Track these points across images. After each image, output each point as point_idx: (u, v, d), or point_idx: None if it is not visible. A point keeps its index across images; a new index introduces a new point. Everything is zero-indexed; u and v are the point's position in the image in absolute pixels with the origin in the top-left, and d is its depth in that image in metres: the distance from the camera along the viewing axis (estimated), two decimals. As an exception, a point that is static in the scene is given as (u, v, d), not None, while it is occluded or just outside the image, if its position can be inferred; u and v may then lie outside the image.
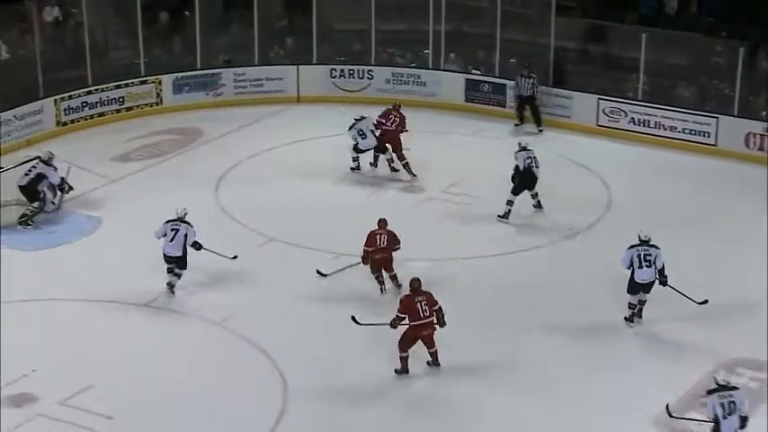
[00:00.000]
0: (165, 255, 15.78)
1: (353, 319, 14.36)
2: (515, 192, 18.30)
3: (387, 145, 20.04)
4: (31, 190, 17.93)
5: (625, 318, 15.24)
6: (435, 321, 13.85)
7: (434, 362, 14.03)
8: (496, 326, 15.17)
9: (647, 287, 14.94)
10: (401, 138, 20.05)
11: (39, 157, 18.35)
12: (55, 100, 21.79)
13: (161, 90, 23.19)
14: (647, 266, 14.78)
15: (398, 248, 15.94)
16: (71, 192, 18.49)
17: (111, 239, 17.63)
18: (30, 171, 18.00)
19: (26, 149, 20.40)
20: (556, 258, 17.27)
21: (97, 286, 15.98)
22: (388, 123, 20.12)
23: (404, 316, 13.80)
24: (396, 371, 14.00)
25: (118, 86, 22.71)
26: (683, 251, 16.06)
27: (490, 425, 13.21)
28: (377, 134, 19.98)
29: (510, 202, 18.28)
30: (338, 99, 23.60)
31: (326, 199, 19.08)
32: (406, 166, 19.98)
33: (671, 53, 22.58)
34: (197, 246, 15.92)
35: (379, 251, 15.88)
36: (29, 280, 16.26)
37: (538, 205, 18.64)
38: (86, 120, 22.08)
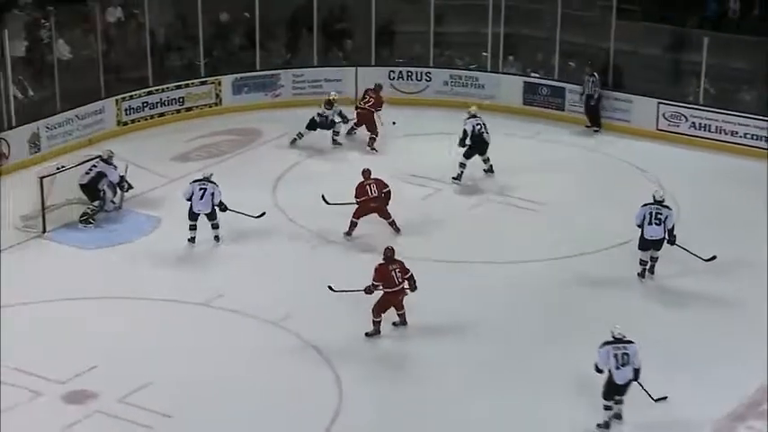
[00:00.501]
0: (192, 212, 17.22)
1: (330, 287, 15.08)
2: (467, 156, 19.63)
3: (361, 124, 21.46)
4: (91, 188, 18.14)
5: (638, 274, 16.13)
6: (407, 287, 14.83)
7: (402, 322, 15.00)
8: (522, 331, 15.22)
9: (656, 244, 15.68)
10: (375, 117, 21.26)
11: (99, 156, 18.57)
12: (116, 100, 22.01)
13: (220, 91, 23.35)
14: (656, 224, 15.49)
15: (388, 191, 17.21)
16: (131, 190, 18.68)
17: (170, 239, 17.77)
18: (90, 170, 18.20)
19: (87, 149, 20.64)
20: (608, 265, 17.07)
21: (155, 285, 16.13)
22: (362, 103, 21.42)
23: (378, 284, 14.74)
24: (366, 334, 14.85)
25: (178, 87, 22.91)
26: (742, 256, 15.89)
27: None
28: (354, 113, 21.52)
29: (462, 165, 19.62)
30: (396, 101, 23.58)
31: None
32: (371, 141, 21.29)
33: (733, 57, 22.33)
34: (222, 206, 17.28)
35: (372, 200, 17.16)
36: (88, 278, 16.44)
37: (489, 170, 19.85)
38: (147, 120, 22.28)
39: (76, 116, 21.30)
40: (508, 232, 18.21)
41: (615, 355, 12.77)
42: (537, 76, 23.79)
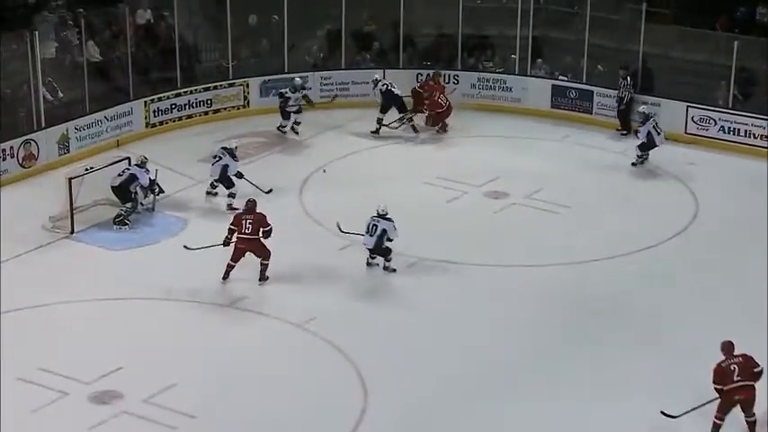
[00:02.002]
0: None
1: (185, 246, 16.55)
2: (383, 111, 22.01)
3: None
4: (123, 190, 18.23)
5: (632, 163, 20.52)
6: (261, 236, 16.09)
7: (262, 276, 16.22)
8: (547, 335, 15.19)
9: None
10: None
11: (128, 159, 18.68)
12: (145, 102, 22.11)
13: (248, 93, 23.42)
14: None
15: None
16: (161, 194, 18.76)
17: (198, 241, 17.81)
18: (122, 173, 18.31)
19: (116, 150, 20.77)
20: (633, 268, 17.02)
21: (182, 287, 16.18)
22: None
23: (234, 228, 16.10)
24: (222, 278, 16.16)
25: (206, 89, 22.99)
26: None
27: None
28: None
29: (380, 120, 21.97)
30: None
31: (409, 203, 19.04)
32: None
33: (762, 61, 22.19)
34: (239, 175, 18.78)
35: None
36: (115, 279, 16.51)
37: (409, 121, 22.04)
38: (174, 121, 22.38)
39: (105, 117, 21.42)
40: (534, 236, 18.16)
41: (368, 225, 16.17)
42: (565, 79, 23.72)
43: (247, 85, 23.39)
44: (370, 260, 16.76)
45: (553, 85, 23.55)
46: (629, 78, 22.28)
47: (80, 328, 15.09)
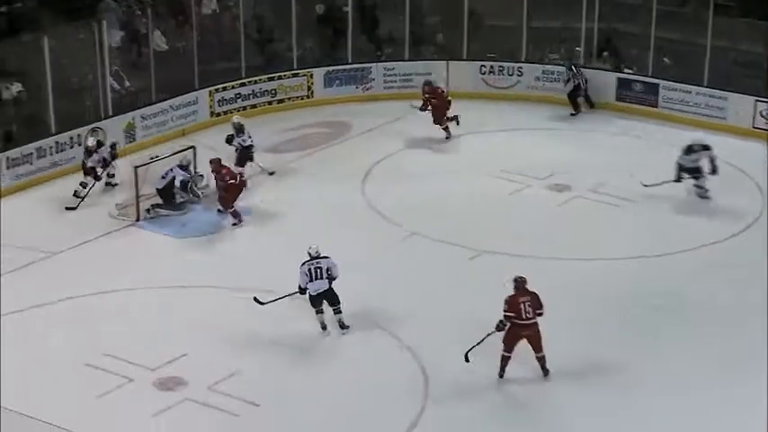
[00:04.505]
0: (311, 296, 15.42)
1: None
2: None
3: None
4: (167, 192, 18.31)
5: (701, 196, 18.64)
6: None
7: (545, 373, 13.94)
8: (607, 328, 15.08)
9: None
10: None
11: (194, 147, 18.83)
12: (209, 91, 22.28)
13: (312, 83, 23.50)
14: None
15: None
16: (198, 196, 18.63)
17: (259, 229, 17.95)
18: (166, 174, 18.36)
19: (181, 139, 20.95)
20: (697, 264, 16.83)
21: (244, 275, 16.24)
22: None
23: (511, 315, 13.70)
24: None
25: (271, 79, 23.10)
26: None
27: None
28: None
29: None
30: (486, 95, 23.55)
31: (470, 195, 19.07)
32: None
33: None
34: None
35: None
36: (179, 267, 16.67)
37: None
38: (239, 111, 22.49)
39: (171, 106, 21.62)
40: (596, 229, 18.04)
41: (309, 270, 14.57)
42: (631, 72, 23.52)
43: (311, 76, 23.46)
44: (322, 322, 14.81)
45: (618, 77, 23.36)
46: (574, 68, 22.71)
47: (145, 315, 15.25)
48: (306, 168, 20.30)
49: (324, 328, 14.86)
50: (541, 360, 13.84)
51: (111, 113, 20.77)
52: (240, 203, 18.36)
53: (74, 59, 20.74)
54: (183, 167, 18.46)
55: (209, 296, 15.87)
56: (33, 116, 20.15)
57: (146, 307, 15.49)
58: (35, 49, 19.60)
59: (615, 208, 18.73)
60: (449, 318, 15.17)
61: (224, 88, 22.47)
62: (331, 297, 14.82)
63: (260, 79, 22.97)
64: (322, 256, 14.75)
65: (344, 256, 16.18)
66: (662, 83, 22.71)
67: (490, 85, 23.81)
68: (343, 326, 14.90)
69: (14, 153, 19.18)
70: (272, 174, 19.71)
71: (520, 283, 13.76)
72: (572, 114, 22.91)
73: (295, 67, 23.43)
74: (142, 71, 21.72)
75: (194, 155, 18.85)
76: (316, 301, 14.80)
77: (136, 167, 18.13)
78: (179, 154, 18.75)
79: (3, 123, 19.70)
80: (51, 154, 19.63)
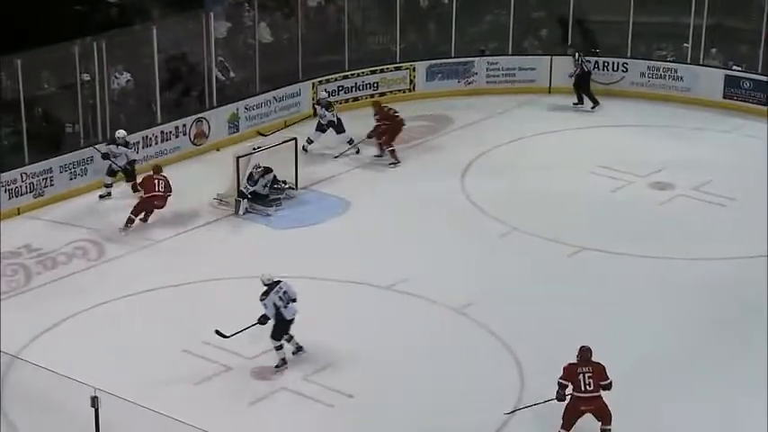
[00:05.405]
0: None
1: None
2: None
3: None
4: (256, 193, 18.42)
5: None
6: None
7: None
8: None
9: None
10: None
11: (295, 139, 18.99)
12: (312, 83, 22.43)
13: (414, 77, 23.52)
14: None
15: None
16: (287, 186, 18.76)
17: (359, 221, 18.02)
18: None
19: (283, 131, 21.13)
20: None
21: (343, 267, 16.35)
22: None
23: (565, 383, 12.55)
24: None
25: (373, 72, 23.20)
26: None
27: None
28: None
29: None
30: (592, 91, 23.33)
31: (570, 191, 18.90)
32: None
33: None
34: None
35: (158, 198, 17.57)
36: (278, 257, 16.71)
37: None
38: (341, 103, 22.60)
39: (274, 98, 21.84)
40: (699, 229, 17.76)
41: (280, 298, 13.76)
42: (740, 69, 23.06)
43: (414, 69, 23.49)
44: (280, 358, 14.00)
45: (726, 74, 22.93)
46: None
47: (242, 304, 15.36)
48: (406, 161, 20.33)
49: (284, 362, 13.99)
50: None
51: (215, 104, 21.07)
52: (338, 194, 18.51)
53: (181, 50, 21.05)
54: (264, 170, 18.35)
55: (305, 287, 15.88)
56: (140, 105, 20.51)
57: (243, 296, 15.52)
58: (143, 39, 19.96)
59: (719, 207, 18.40)
60: (544, 314, 15.05)
61: (327, 80, 22.61)
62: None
63: (363, 72, 23.07)
64: (275, 280, 13.98)
65: (443, 249, 16.23)
66: (774, 80, 22.27)
67: (595, 80, 23.54)
68: (300, 348, 14.17)
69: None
70: (357, 153, 20.40)
71: (584, 353, 12.46)
72: (574, 104, 22.80)
73: (398, 60, 23.48)
74: (247, 62, 21.97)
75: (295, 146, 19.01)
76: (287, 327, 14.02)
77: (238, 158, 18.34)
78: (283, 144, 18.90)
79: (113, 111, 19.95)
80: (157, 143, 19.97)
